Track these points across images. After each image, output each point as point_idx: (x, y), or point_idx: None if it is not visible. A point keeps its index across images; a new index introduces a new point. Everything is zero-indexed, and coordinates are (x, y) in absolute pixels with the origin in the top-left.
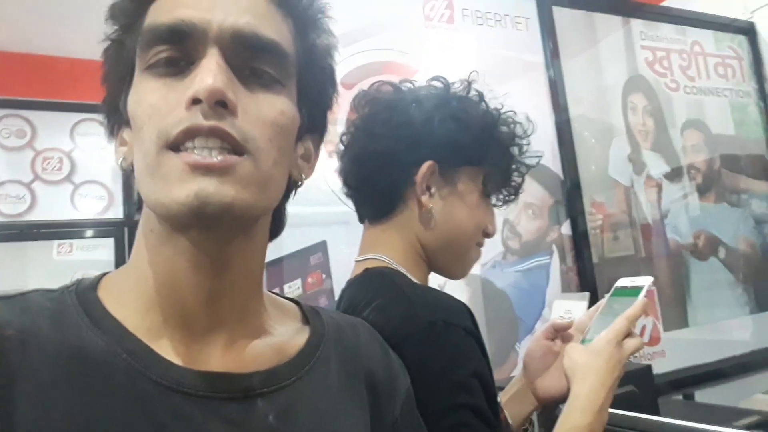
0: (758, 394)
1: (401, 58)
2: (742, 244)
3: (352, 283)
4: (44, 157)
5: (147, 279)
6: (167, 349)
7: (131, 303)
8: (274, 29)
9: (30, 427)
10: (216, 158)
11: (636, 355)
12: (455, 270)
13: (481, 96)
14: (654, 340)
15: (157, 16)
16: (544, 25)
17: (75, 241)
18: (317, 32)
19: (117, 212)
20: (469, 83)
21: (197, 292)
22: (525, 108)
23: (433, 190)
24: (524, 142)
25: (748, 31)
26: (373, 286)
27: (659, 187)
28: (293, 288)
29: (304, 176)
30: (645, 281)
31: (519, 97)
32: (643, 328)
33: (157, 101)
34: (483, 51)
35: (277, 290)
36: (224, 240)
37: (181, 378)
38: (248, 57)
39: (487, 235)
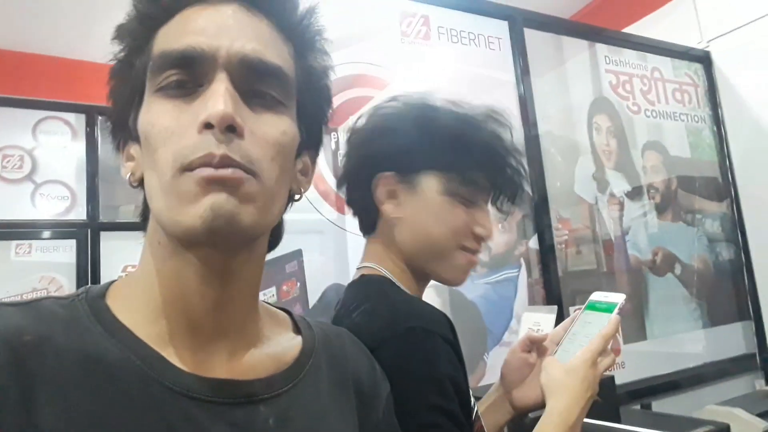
0: (710, 405)
1: (374, 71)
2: (697, 261)
3: (349, 287)
4: (4, 155)
5: (155, 288)
6: (175, 357)
7: (140, 311)
8: (277, 54)
9: (52, 428)
10: (228, 170)
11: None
12: (444, 276)
13: (423, 99)
14: (615, 352)
15: (168, 41)
16: (516, 45)
17: (34, 242)
18: (315, 54)
19: (80, 213)
20: (423, 94)
21: (203, 301)
22: None
23: (400, 199)
24: (502, 138)
25: (703, 59)
26: (364, 291)
27: (621, 204)
28: (267, 296)
29: (302, 190)
30: (618, 298)
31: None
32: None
33: (170, 123)
34: (457, 67)
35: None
36: (230, 254)
37: (191, 384)
38: (253, 80)
39: (478, 237)
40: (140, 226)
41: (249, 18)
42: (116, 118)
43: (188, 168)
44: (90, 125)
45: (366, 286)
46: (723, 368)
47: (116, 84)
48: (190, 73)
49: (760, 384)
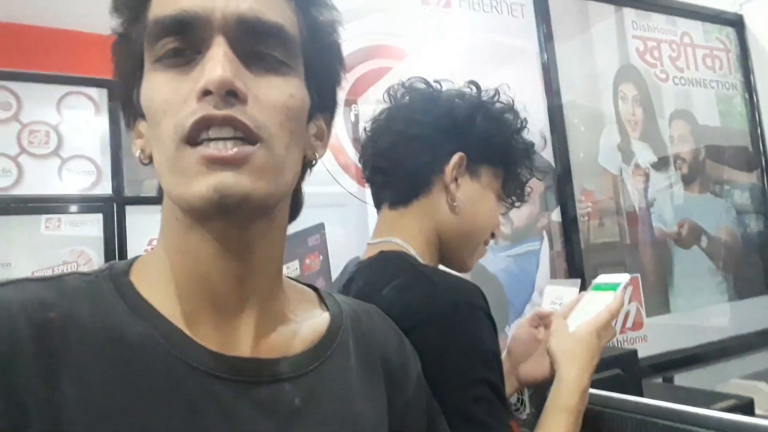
0: (734, 379)
1: (393, 41)
2: (724, 233)
3: (368, 265)
4: (30, 130)
5: (177, 265)
6: (199, 334)
7: (163, 288)
8: (277, 11)
9: (74, 404)
10: (231, 150)
11: (613, 340)
12: (464, 262)
13: (509, 105)
14: (637, 325)
15: (161, 8)
16: (539, 12)
17: (63, 216)
18: (320, 8)
19: (105, 188)
20: (498, 92)
21: (224, 276)
22: (518, 93)
23: (459, 181)
24: (534, 154)
25: (736, 23)
26: (391, 268)
27: (646, 176)
28: (291, 269)
29: (317, 155)
30: (622, 278)
31: (512, 82)
32: (627, 314)
33: (169, 95)
34: (478, 36)
35: None
36: (245, 226)
37: (215, 363)
38: (253, 42)
39: (494, 235)
40: (161, 200)
41: None
42: (122, 95)
43: (189, 138)
44: (112, 100)
45: (392, 261)
46: (748, 342)
47: (118, 60)
48: (186, 40)
49: None
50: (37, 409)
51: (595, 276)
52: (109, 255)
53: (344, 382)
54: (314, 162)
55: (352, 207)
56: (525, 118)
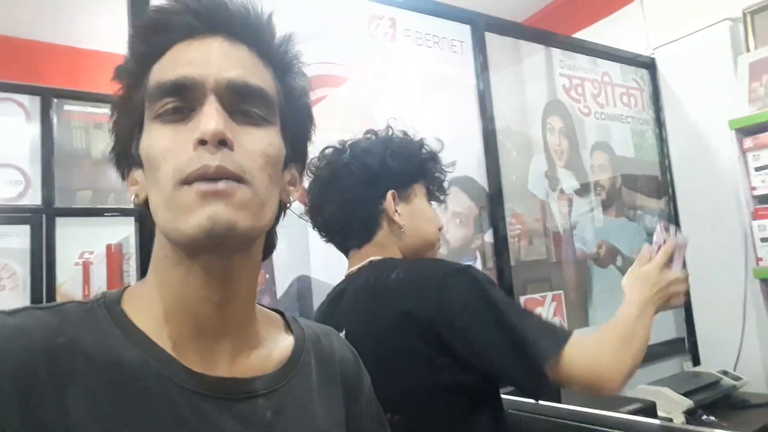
0: (642, 385)
1: (335, 69)
2: (636, 254)
3: (364, 270)
4: None
5: (164, 296)
6: (184, 358)
7: (151, 316)
8: (259, 77)
9: (83, 420)
10: (221, 185)
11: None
12: None
13: (403, 132)
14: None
15: (162, 74)
16: (477, 47)
17: None
18: (293, 75)
19: (34, 198)
20: (390, 127)
21: (206, 304)
22: (457, 120)
23: (398, 209)
24: (440, 156)
25: (649, 65)
26: (392, 263)
27: (570, 201)
28: None
29: (292, 199)
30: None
31: (451, 110)
32: None
33: (169, 144)
34: (420, 67)
35: None
36: (228, 258)
37: (200, 383)
38: (239, 101)
39: (440, 229)
40: (96, 212)
41: (232, 48)
42: (120, 148)
43: (186, 181)
44: (45, 108)
45: (389, 261)
46: (655, 351)
47: (118, 118)
48: (183, 100)
49: (687, 365)
50: (52, 424)
51: (524, 291)
52: (35, 268)
53: (308, 396)
54: (289, 205)
55: (296, 227)
56: (422, 138)
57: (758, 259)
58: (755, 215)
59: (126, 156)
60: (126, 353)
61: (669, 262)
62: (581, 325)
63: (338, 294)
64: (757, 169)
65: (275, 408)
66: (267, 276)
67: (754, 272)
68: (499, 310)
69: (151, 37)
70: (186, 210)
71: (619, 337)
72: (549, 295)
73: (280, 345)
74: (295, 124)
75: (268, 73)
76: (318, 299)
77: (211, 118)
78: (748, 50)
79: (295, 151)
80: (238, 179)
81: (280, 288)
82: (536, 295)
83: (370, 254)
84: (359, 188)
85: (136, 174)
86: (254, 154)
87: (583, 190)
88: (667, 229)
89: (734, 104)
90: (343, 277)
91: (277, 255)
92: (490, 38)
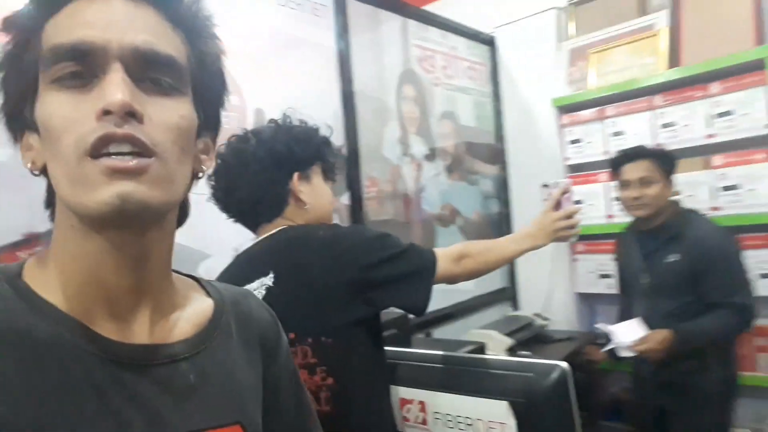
0: (473, 329)
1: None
2: (474, 215)
3: (278, 234)
4: None
5: (71, 268)
6: (100, 328)
7: (59, 289)
8: (169, 43)
9: None
10: (131, 162)
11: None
12: None
13: (300, 120)
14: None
15: (57, 35)
16: (339, 12)
17: None
18: (205, 40)
19: None
20: (289, 117)
21: (120, 277)
22: (315, 83)
23: (302, 189)
24: (331, 141)
25: (489, 43)
26: (308, 227)
27: (419, 166)
28: None
29: (204, 167)
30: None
31: (310, 73)
32: None
33: (70, 113)
34: (283, 30)
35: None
36: (141, 234)
37: (117, 351)
38: (147, 69)
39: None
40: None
41: (137, 9)
42: (10, 109)
43: (91, 152)
44: None
45: (302, 227)
46: (485, 300)
47: (6, 76)
48: (83, 64)
49: (510, 311)
50: None
51: None
52: None
53: (229, 357)
54: (201, 175)
55: None
56: (315, 125)
57: None
58: None
59: (18, 119)
60: (35, 328)
61: (557, 206)
62: None
63: (255, 251)
64: (571, 142)
65: (198, 371)
66: None
67: None
68: (400, 259)
69: None
70: (92, 186)
71: (481, 250)
72: None
73: (199, 309)
74: (208, 92)
75: (178, 37)
76: (177, 263)
77: (117, 87)
78: (569, 37)
79: (208, 119)
80: (148, 153)
81: None
82: None
83: (280, 225)
84: (268, 172)
85: (31, 139)
86: (165, 127)
87: (431, 156)
88: (552, 184)
89: (557, 84)
90: (255, 242)
91: None
92: (352, 4)
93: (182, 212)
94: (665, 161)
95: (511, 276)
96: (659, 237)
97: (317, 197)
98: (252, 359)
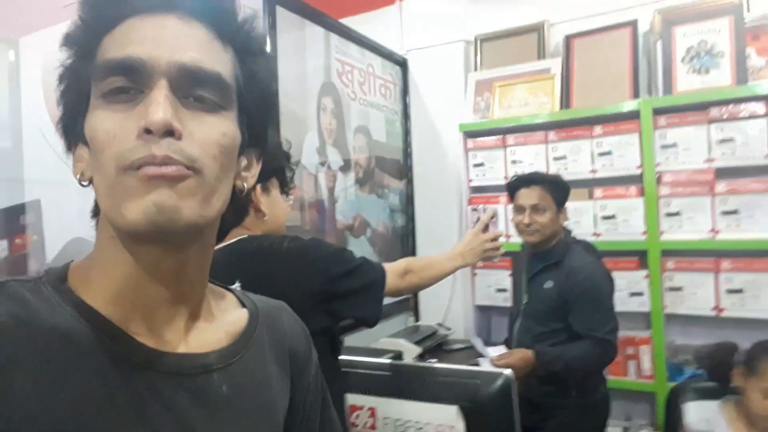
0: (383, 338)
1: None
2: (382, 227)
3: (238, 243)
4: None
5: (112, 274)
6: (138, 335)
7: (100, 294)
8: (217, 61)
9: (28, 402)
10: (169, 170)
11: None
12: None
13: None
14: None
15: (111, 50)
16: (268, 18)
17: None
18: (255, 59)
19: None
20: None
21: (157, 287)
22: None
23: (263, 199)
24: (290, 156)
25: (402, 64)
26: (271, 238)
27: (335, 177)
28: None
29: (246, 185)
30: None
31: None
32: None
33: (113, 128)
34: None
35: None
36: (177, 251)
37: (154, 359)
38: (193, 86)
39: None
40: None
41: (188, 27)
42: (66, 120)
43: (131, 167)
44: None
45: (264, 237)
46: (388, 310)
47: (65, 89)
48: (132, 80)
49: (411, 320)
50: None
51: None
52: None
53: (262, 369)
54: (243, 191)
55: (72, 186)
56: (286, 141)
57: None
58: (470, 202)
59: (72, 130)
60: (76, 331)
61: (485, 228)
62: None
63: (217, 258)
64: (475, 165)
65: (230, 382)
66: (35, 238)
67: None
68: (358, 273)
69: (103, 7)
70: (130, 196)
71: (422, 266)
72: None
73: (233, 319)
74: (255, 110)
75: (228, 55)
76: None
77: (159, 105)
78: (476, 69)
79: (253, 137)
80: (187, 168)
81: (51, 252)
82: None
83: (238, 234)
84: None
85: (82, 151)
86: (205, 144)
87: (346, 167)
88: (481, 210)
89: (463, 111)
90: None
91: (47, 219)
92: (281, 13)
93: (223, 227)
94: (558, 190)
95: None
96: (543, 261)
97: (275, 209)
98: (282, 372)
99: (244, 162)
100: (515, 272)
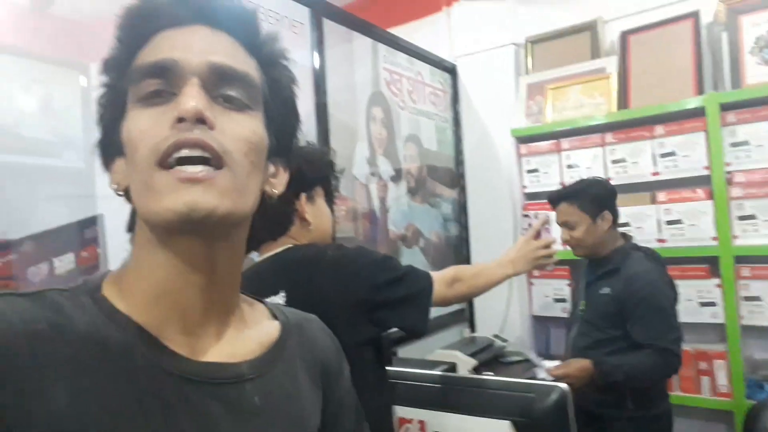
0: (438, 349)
1: None
2: (434, 236)
3: (285, 253)
4: None
5: (146, 280)
6: (171, 342)
7: (135, 300)
8: (244, 63)
9: (66, 407)
10: (201, 173)
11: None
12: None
13: (313, 144)
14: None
15: (145, 58)
16: (315, 31)
17: None
18: (279, 70)
19: None
20: (307, 142)
21: (191, 290)
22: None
23: (308, 208)
24: (335, 164)
25: (451, 71)
26: (316, 247)
27: (386, 186)
28: (65, 262)
29: (275, 191)
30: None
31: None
32: None
33: (148, 125)
34: None
35: (46, 264)
36: (209, 244)
37: (187, 367)
38: (223, 85)
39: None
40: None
41: (217, 36)
42: (104, 137)
43: (163, 161)
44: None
45: (311, 246)
46: (443, 321)
47: (104, 108)
48: (165, 83)
49: (466, 332)
50: (33, 412)
51: None
52: None
53: (294, 381)
54: (272, 198)
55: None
56: (327, 149)
57: None
58: (524, 209)
59: (111, 145)
60: (110, 338)
61: (537, 235)
62: None
63: (263, 269)
64: (528, 171)
65: (262, 392)
66: (99, 251)
67: None
68: (404, 281)
69: (137, 24)
70: (162, 193)
71: (471, 275)
72: None
73: (264, 330)
74: (280, 117)
75: (253, 63)
76: None
77: (190, 97)
78: (527, 72)
79: (279, 145)
80: (219, 162)
81: (114, 265)
82: None
83: (285, 244)
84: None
85: (119, 163)
86: (236, 139)
87: (397, 177)
88: (533, 216)
89: (515, 115)
90: (261, 259)
91: (110, 233)
92: (327, 25)
93: (253, 236)
94: (586, 200)
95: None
96: (600, 268)
97: (320, 218)
98: (314, 385)
99: (271, 168)
100: (574, 280)
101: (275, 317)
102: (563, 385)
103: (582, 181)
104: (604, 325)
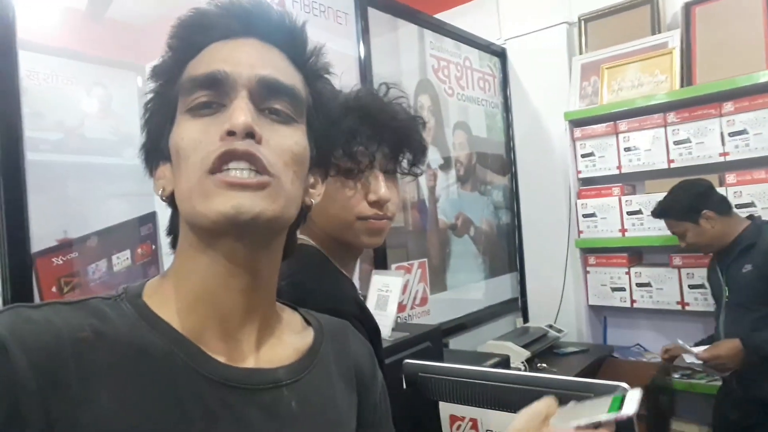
0: (490, 340)
1: None
2: (485, 224)
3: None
4: None
5: (187, 285)
6: (210, 349)
7: (175, 307)
8: (291, 77)
9: (111, 412)
10: (249, 178)
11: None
12: (357, 242)
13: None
14: (423, 301)
15: (197, 69)
16: (360, 20)
17: None
18: (323, 83)
19: None
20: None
21: (231, 294)
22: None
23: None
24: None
25: (500, 54)
26: (296, 261)
27: (435, 175)
28: (122, 258)
29: (313, 201)
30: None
31: (335, 81)
32: (416, 292)
33: (198, 135)
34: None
35: (104, 261)
36: (252, 249)
37: (226, 373)
38: (270, 98)
39: (373, 203)
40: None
41: (266, 50)
42: (150, 143)
43: (213, 169)
44: None
45: (299, 255)
46: (495, 311)
47: (151, 114)
48: (215, 95)
49: (519, 322)
50: (79, 418)
51: (383, 255)
52: None
53: (329, 386)
54: (310, 208)
55: None
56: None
57: (579, 232)
58: (579, 195)
59: (156, 150)
60: (152, 345)
61: None
62: (441, 289)
63: None
64: (583, 156)
65: (299, 398)
66: (154, 247)
67: (576, 242)
68: None
69: (190, 35)
70: (210, 196)
71: None
72: (415, 263)
73: (300, 336)
74: (322, 130)
75: (299, 77)
76: None
77: (241, 111)
78: (581, 52)
79: (320, 157)
80: (264, 172)
81: (167, 262)
82: (404, 263)
83: (302, 230)
84: None
85: (164, 168)
86: (281, 151)
87: (446, 165)
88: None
89: (568, 98)
90: None
91: (164, 230)
92: (372, 13)
93: (290, 243)
94: (679, 210)
95: (521, 287)
96: (734, 250)
97: (319, 205)
98: (349, 389)
99: (311, 179)
100: (709, 273)
101: (308, 323)
102: (625, 385)
103: (670, 191)
104: (753, 304)
